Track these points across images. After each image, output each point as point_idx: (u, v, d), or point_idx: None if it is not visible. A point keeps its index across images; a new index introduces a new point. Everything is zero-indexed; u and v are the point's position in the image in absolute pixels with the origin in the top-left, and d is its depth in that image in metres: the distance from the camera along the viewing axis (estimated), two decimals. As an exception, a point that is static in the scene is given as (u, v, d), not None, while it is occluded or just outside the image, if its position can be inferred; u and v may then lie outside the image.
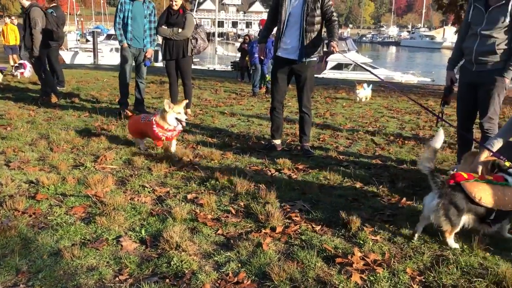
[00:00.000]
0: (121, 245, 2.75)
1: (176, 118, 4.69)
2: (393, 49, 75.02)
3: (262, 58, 6.53)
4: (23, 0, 7.56)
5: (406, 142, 5.89)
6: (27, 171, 4.05)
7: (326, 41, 4.78)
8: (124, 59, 6.71)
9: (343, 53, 5.05)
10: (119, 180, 3.95)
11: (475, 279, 2.46)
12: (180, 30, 6.59)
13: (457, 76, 4.39)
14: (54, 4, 8.87)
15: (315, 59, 4.83)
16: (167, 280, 2.39)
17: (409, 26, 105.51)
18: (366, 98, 10.15)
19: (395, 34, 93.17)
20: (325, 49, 5.22)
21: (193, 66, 26.81)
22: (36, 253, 2.62)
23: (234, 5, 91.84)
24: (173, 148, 4.89)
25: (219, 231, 2.99)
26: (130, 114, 5.42)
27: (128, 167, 4.34)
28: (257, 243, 2.81)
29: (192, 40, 6.74)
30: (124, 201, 3.39)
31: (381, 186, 3.99)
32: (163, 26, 6.70)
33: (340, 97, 10.76)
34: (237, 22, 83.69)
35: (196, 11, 60.58)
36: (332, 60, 27.97)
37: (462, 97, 4.27)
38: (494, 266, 2.61)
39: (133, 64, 6.86)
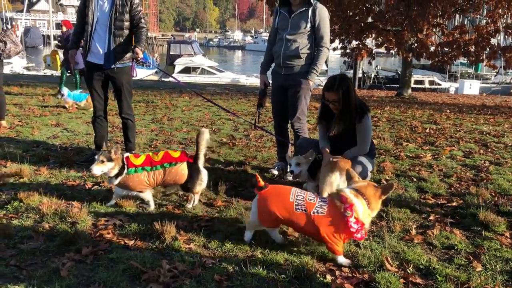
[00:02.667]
0: None
1: None
2: (239, 53, 78.10)
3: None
4: None
5: (237, 143, 6.04)
6: None
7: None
8: None
9: (143, 61, 4.81)
10: None
11: (279, 275, 2.53)
12: (-19, 32, 5.79)
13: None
14: None
15: (129, 64, 4.61)
16: None
17: (252, 31, 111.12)
18: (73, 106, 8.54)
19: (240, 38, 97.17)
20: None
21: (26, 72, 24.17)
22: None
23: (73, 6, 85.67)
24: None
25: (12, 261, 2.60)
26: (261, 183, 2.90)
27: None
28: (55, 269, 2.51)
29: (0, 44, 5.96)
30: None
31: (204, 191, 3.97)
32: (-39, 28, 5.80)
33: (182, 101, 10.69)
34: (77, 23, 78.13)
35: (28, 12, 55.20)
36: (180, 63, 27.96)
37: (275, 100, 4.49)
38: (296, 259, 2.73)
39: None
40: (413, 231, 3.21)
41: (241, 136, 6.58)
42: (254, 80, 26.18)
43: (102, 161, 3.35)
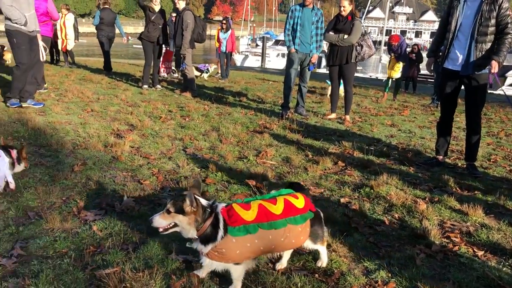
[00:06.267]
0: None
1: None
2: None
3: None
4: (180, 1, 8.44)
5: None
6: (199, 158, 4.55)
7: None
8: (290, 63, 7.03)
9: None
10: (277, 175, 4.18)
11: None
12: (346, 36, 6.65)
13: None
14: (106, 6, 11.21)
15: (486, 71, 4.41)
16: (316, 275, 2.47)
17: None
18: None
19: None
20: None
21: (355, 74, 26.57)
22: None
23: (404, 13, 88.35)
24: None
25: (370, 239, 2.96)
26: None
27: (286, 165, 4.56)
28: (410, 256, 2.71)
29: (357, 47, 6.74)
30: (280, 195, 3.58)
31: None
32: (330, 32, 6.83)
33: None
34: (406, 31, 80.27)
35: (364, 19, 59.96)
36: (513, 75, 25.03)
37: None
38: None
39: (298, 68, 7.16)
40: None
41: None
42: None
43: (169, 212, 2.16)
